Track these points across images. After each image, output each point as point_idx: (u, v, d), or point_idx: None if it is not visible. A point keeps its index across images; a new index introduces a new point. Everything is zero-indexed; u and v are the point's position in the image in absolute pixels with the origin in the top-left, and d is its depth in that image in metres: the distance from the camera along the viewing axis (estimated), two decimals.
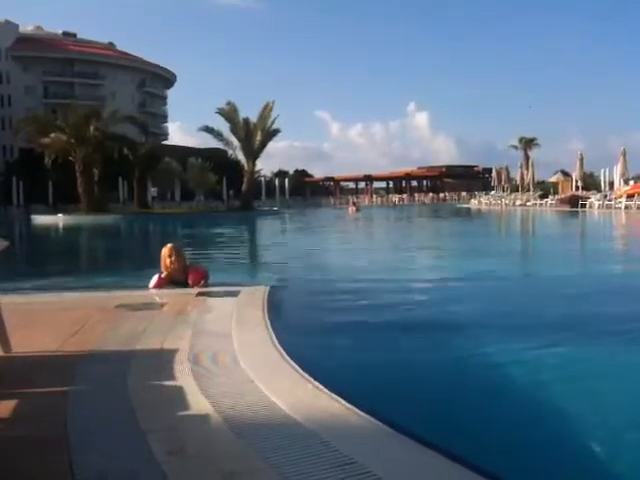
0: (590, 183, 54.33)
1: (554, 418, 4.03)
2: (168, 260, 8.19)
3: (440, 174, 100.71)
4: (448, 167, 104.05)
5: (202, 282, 8.23)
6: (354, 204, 53.30)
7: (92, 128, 43.88)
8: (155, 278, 8.24)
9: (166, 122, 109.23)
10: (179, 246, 8.53)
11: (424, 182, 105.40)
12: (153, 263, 8.56)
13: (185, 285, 8.24)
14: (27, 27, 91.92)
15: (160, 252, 8.33)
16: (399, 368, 5.15)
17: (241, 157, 48.08)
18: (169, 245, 8.36)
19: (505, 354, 5.46)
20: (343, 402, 3.59)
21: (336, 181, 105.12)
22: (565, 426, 3.92)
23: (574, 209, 38.70)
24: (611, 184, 44.03)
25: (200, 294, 7.78)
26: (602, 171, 47.41)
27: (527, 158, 65.48)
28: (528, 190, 53.36)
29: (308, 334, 6.41)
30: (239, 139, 46.37)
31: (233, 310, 6.61)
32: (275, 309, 6.97)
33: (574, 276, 10.65)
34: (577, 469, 3.35)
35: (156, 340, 5.28)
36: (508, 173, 59.39)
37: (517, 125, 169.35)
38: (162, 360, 4.62)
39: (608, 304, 7.99)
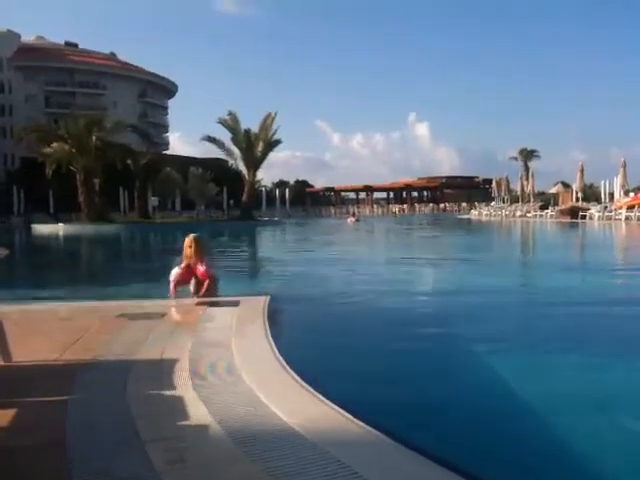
0: (590, 194, 54.38)
1: None
2: (188, 250, 8.45)
3: (440, 185, 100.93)
4: (448, 178, 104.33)
5: (207, 283, 8.34)
6: (353, 215, 53.49)
7: (94, 138, 43.98)
8: (175, 269, 8.44)
9: (167, 132, 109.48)
10: (200, 239, 8.68)
11: (424, 193, 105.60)
12: (153, 273, 8.58)
13: (197, 278, 8.42)
14: (29, 37, 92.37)
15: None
16: (396, 377, 5.14)
17: (242, 167, 48.21)
18: (191, 235, 8.68)
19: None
20: (343, 412, 3.59)
21: (337, 191, 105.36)
22: None
23: (574, 220, 38.70)
24: (611, 195, 44.05)
25: (200, 304, 7.80)
26: (602, 182, 47.43)
27: (527, 169, 65.50)
28: (528, 201, 53.41)
29: (307, 344, 6.41)
30: (240, 149, 46.48)
31: (233, 320, 6.61)
32: (275, 319, 6.97)
33: None
34: None
35: (156, 350, 5.28)
36: (508, 184, 59.45)
37: (518, 135, 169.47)
38: (162, 369, 4.62)
39: None
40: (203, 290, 8.32)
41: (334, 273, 13.29)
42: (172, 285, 8.42)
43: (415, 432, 3.54)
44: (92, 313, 7.38)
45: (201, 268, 8.37)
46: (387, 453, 3.09)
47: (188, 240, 8.55)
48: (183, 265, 8.47)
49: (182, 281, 8.45)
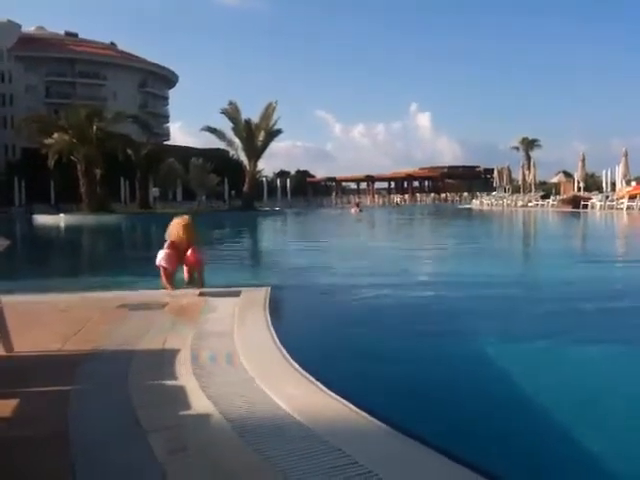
0: (592, 183, 54.30)
1: None
2: (180, 229, 8.15)
3: (442, 175, 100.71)
4: (450, 168, 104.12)
5: (195, 271, 8.29)
6: (357, 204, 53.23)
7: (95, 127, 43.98)
8: (161, 252, 8.07)
9: (168, 122, 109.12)
10: (192, 221, 8.41)
11: (426, 183, 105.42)
12: (154, 262, 8.52)
13: (183, 261, 8.22)
14: (29, 27, 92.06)
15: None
16: (400, 366, 5.15)
17: (243, 157, 48.21)
18: (184, 216, 8.44)
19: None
20: (343, 401, 3.59)
21: (338, 181, 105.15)
22: None
23: (576, 210, 38.64)
24: (613, 185, 43.97)
25: (202, 294, 7.80)
26: (604, 172, 47.33)
27: (529, 159, 65.32)
28: (530, 191, 53.32)
29: (309, 334, 6.42)
30: (241, 139, 46.42)
31: (235, 310, 6.62)
32: (277, 309, 6.97)
33: None
34: None
35: (158, 340, 5.28)
36: (510, 173, 59.33)
37: (520, 125, 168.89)
38: (164, 360, 4.63)
39: None
40: (198, 279, 8.27)
41: (338, 265, 13.27)
42: (163, 272, 8.04)
43: (417, 421, 3.54)
44: (93, 304, 7.38)
45: (191, 256, 8.10)
46: (388, 442, 3.10)
47: (180, 219, 8.22)
48: (168, 245, 8.12)
49: (170, 265, 8.05)
